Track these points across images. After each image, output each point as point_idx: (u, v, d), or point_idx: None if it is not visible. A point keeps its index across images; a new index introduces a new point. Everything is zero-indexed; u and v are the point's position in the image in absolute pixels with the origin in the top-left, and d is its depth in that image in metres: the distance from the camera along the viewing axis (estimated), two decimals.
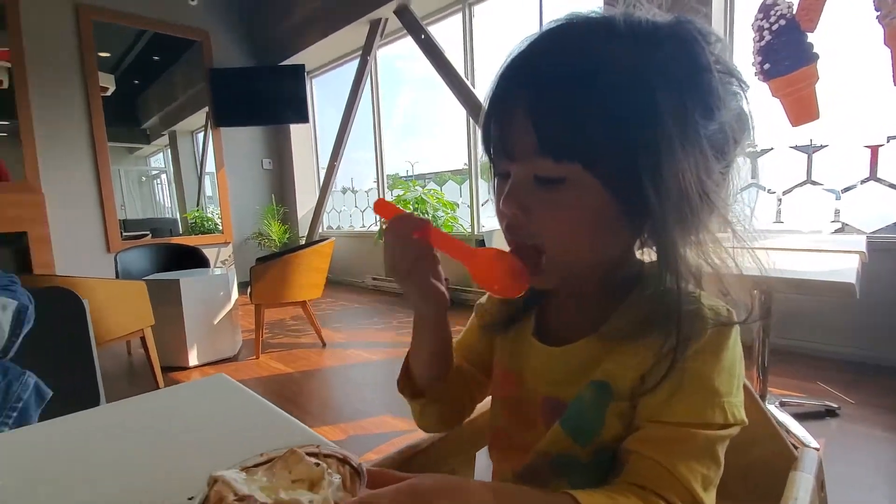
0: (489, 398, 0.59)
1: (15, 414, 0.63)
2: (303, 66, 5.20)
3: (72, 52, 4.29)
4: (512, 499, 0.34)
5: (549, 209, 0.41)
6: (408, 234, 0.45)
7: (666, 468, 0.38)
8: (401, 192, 4.27)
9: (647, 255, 0.47)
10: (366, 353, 3.06)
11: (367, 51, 4.64)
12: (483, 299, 0.61)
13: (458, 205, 4.39)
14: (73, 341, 0.89)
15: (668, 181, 0.37)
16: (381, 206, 0.47)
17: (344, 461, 0.31)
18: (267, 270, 3.00)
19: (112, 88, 4.74)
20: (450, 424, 0.59)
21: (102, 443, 0.48)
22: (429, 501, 0.30)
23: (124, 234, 4.78)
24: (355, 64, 4.88)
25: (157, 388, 2.52)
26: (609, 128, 0.38)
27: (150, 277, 2.84)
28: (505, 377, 0.54)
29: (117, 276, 2.99)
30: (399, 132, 5.33)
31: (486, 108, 0.44)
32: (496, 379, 0.56)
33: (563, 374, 0.47)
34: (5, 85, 4.15)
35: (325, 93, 5.96)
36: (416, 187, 4.27)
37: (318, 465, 0.29)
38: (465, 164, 4.46)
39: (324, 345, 3.23)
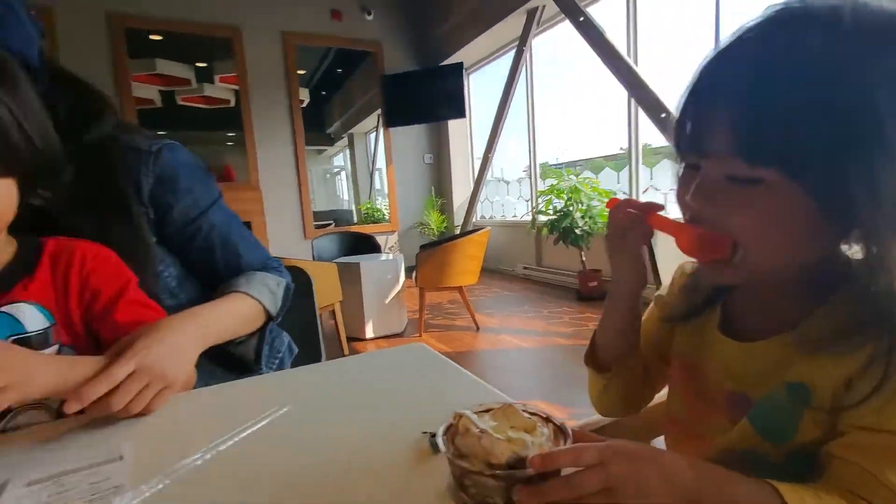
0: (665, 389, 0.61)
1: (276, 362, 0.86)
2: (461, 63, 5.46)
3: (279, 73, 5.20)
4: (710, 474, 0.36)
5: (742, 209, 0.40)
6: (629, 209, 0.51)
7: (873, 475, 0.36)
8: (554, 182, 4.22)
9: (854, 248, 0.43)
10: (517, 340, 3.15)
11: (523, 41, 4.66)
12: (662, 291, 0.62)
13: (615, 193, 4.17)
14: (303, 310, 1.13)
15: (886, 189, 0.34)
16: (613, 203, 0.53)
17: (547, 420, 0.38)
18: (429, 257, 3.28)
19: (307, 101, 5.62)
20: (630, 407, 0.61)
21: (334, 389, 0.64)
22: (632, 461, 0.33)
23: (315, 223, 5.67)
24: (509, 56, 4.95)
25: (344, 354, 2.99)
26: (816, 132, 0.35)
27: (338, 260, 3.34)
28: (685, 368, 0.55)
29: (313, 259, 3.59)
30: (550, 119, 5.25)
31: (684, 99, 0.43)
32: (675, 370, 0.57)
33: (752, 370, 0.46)
34: (232, 103, 5.24)
35: (481, 86, 6.17)
36: (570, 176, 4.17)
37: (530, 417, 0.36)
38: (622, 148, 4.21)
39: (478, 328, 3.41)
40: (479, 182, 5.59)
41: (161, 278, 0.73)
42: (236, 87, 5.07)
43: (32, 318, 0.56)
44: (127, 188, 0.69)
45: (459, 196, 6.17)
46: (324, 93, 6.46)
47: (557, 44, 5.03)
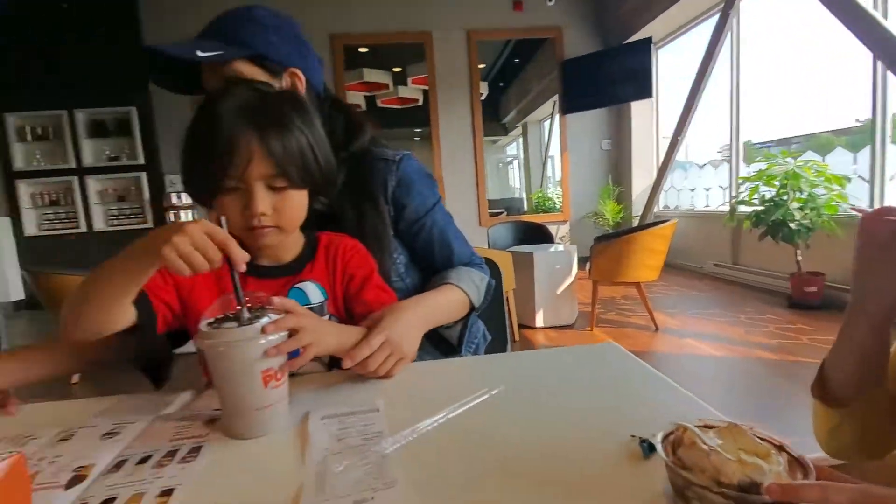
0: None
1: (473, 347, 0.96)
2: (649, 38, 5.01)
3: (463, 69, 5.52)
4: None
5: None
6: (892, 217, 0.45)
7: None
8: (763, 166, 3.59)
9: None
10: (703, 346, 2.84)
11: (729, 3, 4.05)
12: None
13: (849, 178, 3.34)
14: (494, 300, 1.22)
15: None
16: (862, 211, 0.49)
17: (781, 448, 0.36)
18: (605, 250, 3.15)
19: (485, 93, 5.85)
20: (869, 450, 0.53)
21: (538, 377, 0.69)
22: None
23: (488, 211, 5.91)
24: (707, 24, 4.34)
25: (515, 340, 3.09)
26: None
27: (511, 249, 3.45)
28: None
29: (488, 246, 3.77)
30: (757, 91, 4.45)
31: None
32: None
33: None
34: (420, 102, 5.74)
35: (671, 62, 5.57)
36: (787, 159, 3.48)
37: (761, 442, 0.36)
38: (859, 120, 3.35)
39: (656, 328, 3.17)
40: (664, 168, 5.10)
41: (394, 262, 0.89)
42: (425, 87, 5.55)
43: (314, 293, 0.75)
44: (377, 189, 0.86)
45: (640, 184, 5.72)
46: (501, 84, 6.63)
47: (772, 2, 4.23)
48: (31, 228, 4.85)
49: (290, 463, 0.49)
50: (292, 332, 0.57)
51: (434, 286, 0.84)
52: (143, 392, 0.73)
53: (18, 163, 4.79)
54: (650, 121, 5.73)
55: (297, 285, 0.74)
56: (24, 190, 4.81)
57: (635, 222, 5.46)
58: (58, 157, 4.83)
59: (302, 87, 0.84)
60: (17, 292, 4.45)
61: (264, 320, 0.55)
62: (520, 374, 0.70)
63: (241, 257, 0.54)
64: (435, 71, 5.44)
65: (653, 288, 4.27)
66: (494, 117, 7.03)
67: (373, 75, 5.54)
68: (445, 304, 0.83)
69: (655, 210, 5.40)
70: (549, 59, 5.74)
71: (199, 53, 0.72)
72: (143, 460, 0.51)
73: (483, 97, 5.72)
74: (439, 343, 0.90)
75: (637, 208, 5.64)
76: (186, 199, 4.98)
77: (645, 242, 3.08)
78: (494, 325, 1.21)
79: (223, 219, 0.57)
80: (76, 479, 0.47)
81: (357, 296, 0.76)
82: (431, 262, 0.92)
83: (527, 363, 0.76)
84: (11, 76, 4.61)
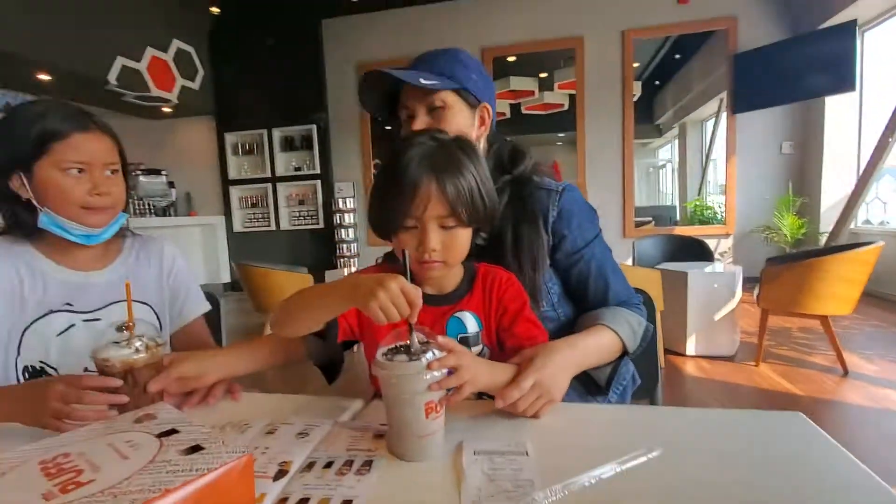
0: None
1: (620, 389, 0.91)
2: (854, 21, 4.15)
3: (615, 71, 5.19)
4: None
5: None
6: None
7: None
8: None
9: None
10: None
11: None
12: None
13: None
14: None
15: None
16: None
17: None
18: (782, 273, 2.71)
19: (638, 94, 5.44)
20: None
21: (703, 443, 0.62)
22: None
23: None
24: None
25: (661, 366, 2.82)
26: None
27: (661, 266, 3.17)
28: None
29: (633, 263, 3.52)
30: None
31: None
32: None
33: None
34: (566, 107, 5.58)
35: (881, 49, 4.52)
36: None
37: None
38: None
39: (845, 372, 2.63)
40: (867, 175, 4.17)
41: (549, 292, 0.90)
42: (571, 92, 5.38)
43: (471, 323, 0.79)
44: (538, 216, 0.89)
45: (831, 194, 4.78)
46: (657, 82, 6.11)
47: None
48: (237, 225, 6.11)
49: (447, 494, 0.53)
50: (452, 370, 0.62)
51: (587, 325, 0.83)
52: (310, 382, 0.86)
53: (231, 172, 6.04)
54: (851, 118, 4.73)
55: (456, 314, 0.79)
56: (234, 194, 6.07)
57: (822, 240, 4.58)
58: (258, 167, 5.97)
59: (488, 119, 0.93)
60: (226, 276, 5.64)
61: (429, 356, 0.60)
62: (680, 436, 0.64)
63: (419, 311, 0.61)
64: (584, 75, 5.22)
65: (842, 321, 3.54)
66: (647, 118, 6.52)
67: (519, 83, 5.57)
68: (597, 347, 0.80)
69: (851, 227, 4.46)
70: (717, 52, 5.11)
71: (422, 80, 0.84)
72: (328, 465, 0.59)
73: (635, 98, 5.33)
74: (585, 381, 0.88)
75: (826, 224, 4.71)
76: (351, 203, 5.67)
77: (836, 269, 2.57)
78: (644, 360, 1.14)
79: (407, 253, 0.65)
80: (280, 473, 0.58)
81: (509, 329, 0.79)
82: (585, 296, 0.91)
83: (687, 422, 0.70)
84: (231, 104, 5.81)
